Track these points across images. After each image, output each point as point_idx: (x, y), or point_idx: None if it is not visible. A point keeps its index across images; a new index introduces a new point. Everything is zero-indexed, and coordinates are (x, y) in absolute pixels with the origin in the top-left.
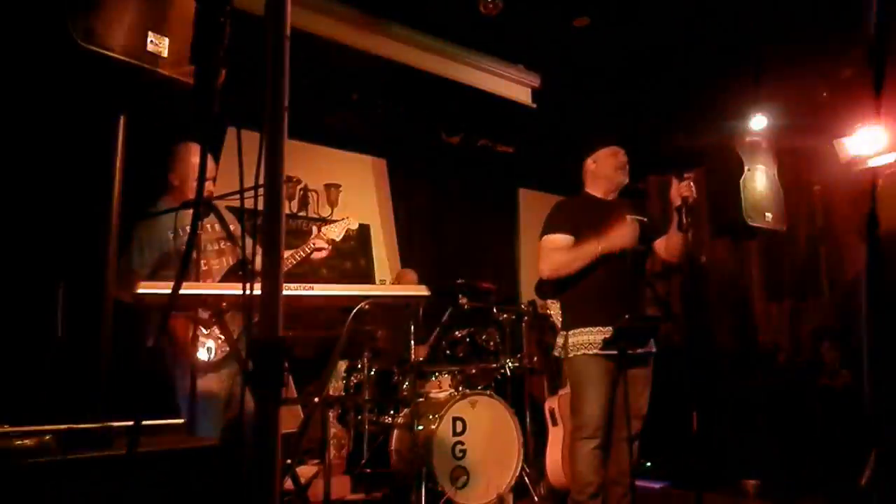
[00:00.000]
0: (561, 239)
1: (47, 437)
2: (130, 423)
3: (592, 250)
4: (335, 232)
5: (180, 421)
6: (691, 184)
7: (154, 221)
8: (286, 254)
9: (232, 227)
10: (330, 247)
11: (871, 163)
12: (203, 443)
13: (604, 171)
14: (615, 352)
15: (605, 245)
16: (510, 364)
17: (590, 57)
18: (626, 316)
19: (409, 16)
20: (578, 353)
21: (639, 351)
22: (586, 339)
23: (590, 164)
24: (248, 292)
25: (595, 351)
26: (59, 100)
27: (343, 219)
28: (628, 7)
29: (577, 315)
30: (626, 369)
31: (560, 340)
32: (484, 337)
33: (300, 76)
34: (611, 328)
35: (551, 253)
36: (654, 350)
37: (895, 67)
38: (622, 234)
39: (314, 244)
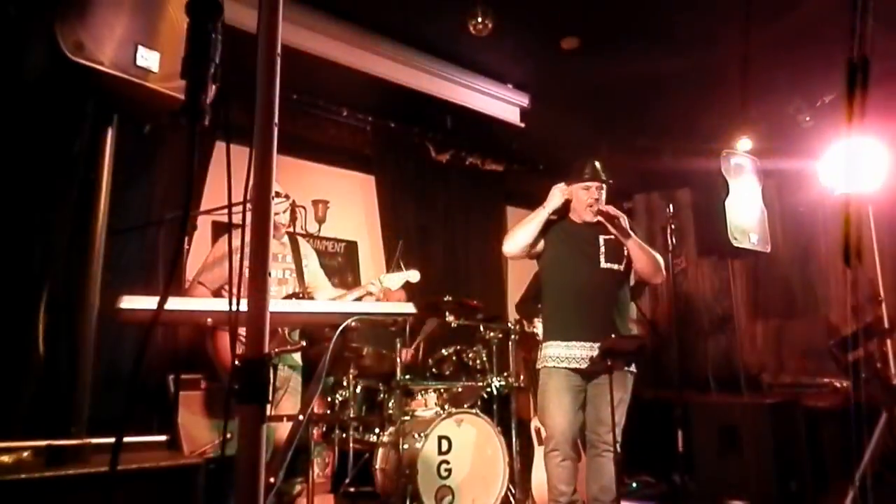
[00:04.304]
0: (514, 228)
1: (26, 454)
2: (112, 439)
3: (539, 212)
4: (393, 282)
5: (163, 438)
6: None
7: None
8: (342, 293)
9: (306, 262)
10: (382, 294)
11: (854, 187)
12: (185, 461)
13: (574, 204)
14: (580, 365)
15: (548, 207)
16: (497, 382)
17: (579, 78)
18: (612, 335)
19: (400, 34)
20: (543, 365)
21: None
22: (552, 353)
23: (570, 196)
24: (234, 309)
25: (554, 364)
26: (47, 110)
27: (408, 270)
28: (617, 29)
29: (548, 329)
30: (611, 384)
31: (538, 354)
32: (470, 355)
33: (290, 92)
34: (575, 342)
35: (509, 232)
36: (632, 369)
37: (879, 90)
38: (552, 195)
39: (368, 291)
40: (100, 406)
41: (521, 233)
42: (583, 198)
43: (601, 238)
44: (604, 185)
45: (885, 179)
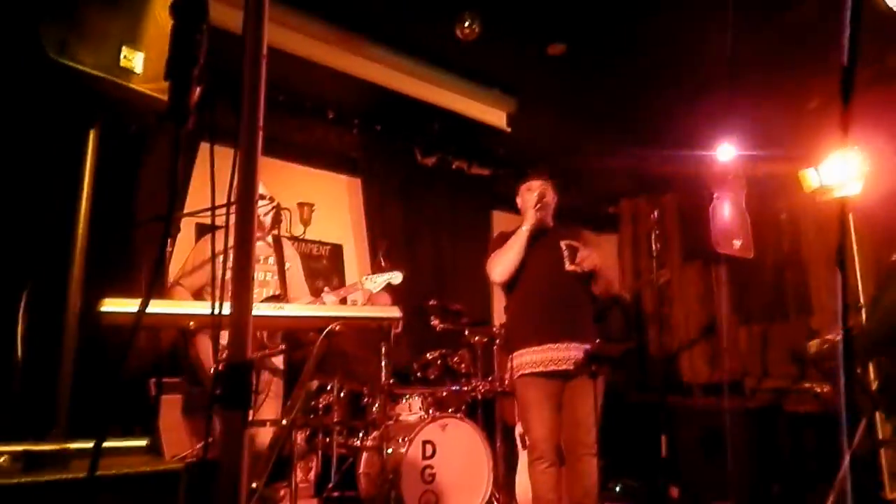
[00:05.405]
0: (498, 251)
1: (2, 458)
2: (91, 443)
3: (520, 233)
4: (374, 284)
5: (143, 442)
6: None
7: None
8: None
9: (289, 265)
10: (366, 297)
11: (836, 193)
12: (166, 466)
13: (524, 206)
14: (555, 368)
15: (527, 225)
16: (481, 387)
17: (565, 83)
18: (584, 334)
19: (387, 37)
20: (521, 374)
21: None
22: (528, 359)
23: (517, 200)
24: (217, 312)
25: (531, 370)
26: (29, 110)
27: (390, 273)
28: (603, 35)
29: (518, 337)
30: (595, 388)
31: (508, 364)
32: (456, 359)
33: (276, 93)
34: (550, 345)
35: (492, 260)
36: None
37: (859, 98)
38: (532, 210)
39: (350, 293)
40: (80, 409)
41: (510, 257)
42: (528, 199)
43: (562, 243)
44: (547, 183)
45: (865, 187)
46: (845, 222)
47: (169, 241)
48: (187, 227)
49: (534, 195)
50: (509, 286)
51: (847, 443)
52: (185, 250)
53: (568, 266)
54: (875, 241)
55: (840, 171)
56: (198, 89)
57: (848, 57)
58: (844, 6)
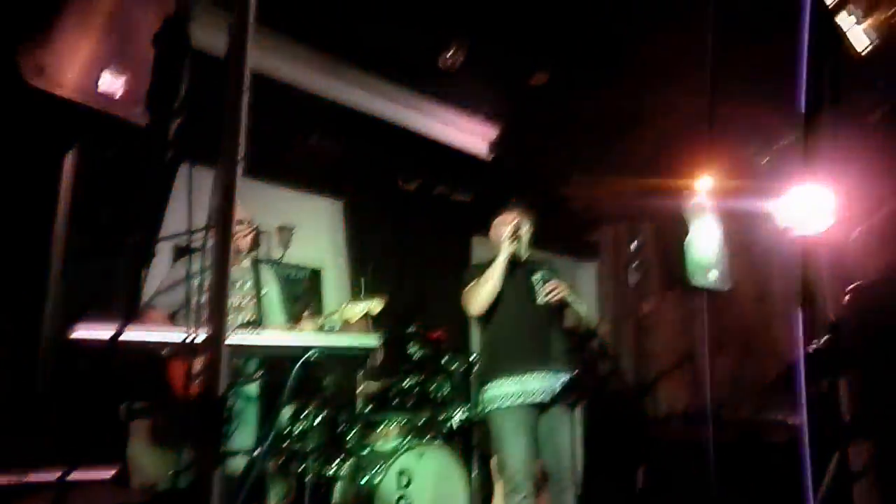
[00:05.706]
0: (473, 285)
1: None
2: (55, 476)
3: (494, 266)
4: (352, 313)
5: (110, 474)
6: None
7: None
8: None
9: (265, 290)
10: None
11: (808, 229)
12: (132, 498)
13: (495, 240)
14: (532, 400)
15: (501, 257)
16: (459, 415)
17: (546, 112)
18: (574, 370)
19: (371, 63)
20: (493, 406)
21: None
22: (504, 391)
23: (491, 232)
24: (191, 339)
25: (510, 403)
26: (5, 134)
27: (369, 301)
28: (586, 67)
29: (491, 369)
30: (573, 416)
31: (478, 397)
32: (433, 386)
33: (258, 116)
34: (528, 375)
35: (469, 292)
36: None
37: (832, 135)
38: (506, 242)
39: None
40: (49, 437)
41: (487, 289)
42: (501, 232)
43: (533, 277)
44: (521, 215)
45: (836, 224)
46: (811, 259)
47: (144, 265)
48: (164, 248)
49: (507, 228)
50: (483, 318)
51: (820, 475)
52: (161, 272)
53: (540, 298)
54: (845, 277)
55: (812, 206)
56: (179, 116)
57: (811, 96)
58: (801, 51)
